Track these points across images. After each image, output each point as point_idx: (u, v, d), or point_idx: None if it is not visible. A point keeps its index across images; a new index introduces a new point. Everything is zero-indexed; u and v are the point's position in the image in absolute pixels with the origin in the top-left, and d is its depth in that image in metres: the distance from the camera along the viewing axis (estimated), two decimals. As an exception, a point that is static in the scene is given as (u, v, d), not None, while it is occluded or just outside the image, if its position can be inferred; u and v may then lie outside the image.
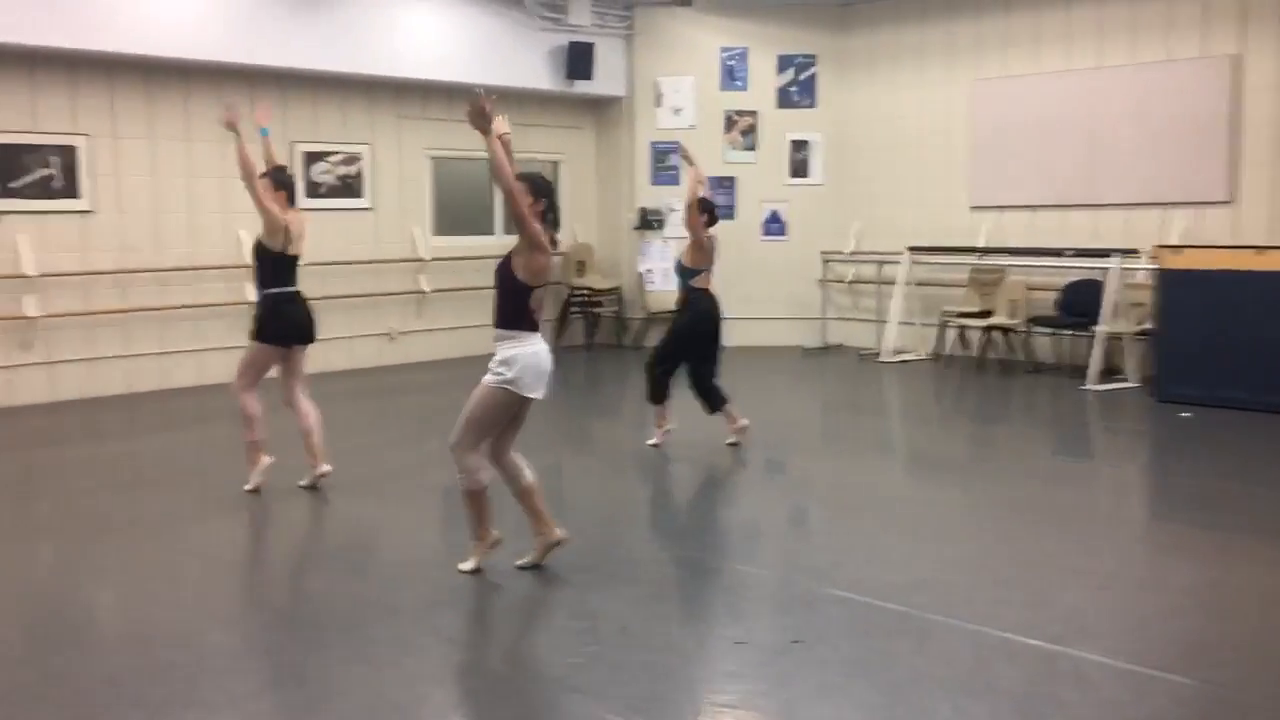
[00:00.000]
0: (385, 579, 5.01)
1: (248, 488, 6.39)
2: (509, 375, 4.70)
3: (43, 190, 9.34)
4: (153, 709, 3.67)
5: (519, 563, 4.98)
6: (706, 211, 7.42)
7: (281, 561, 5.66)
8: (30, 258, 9.20)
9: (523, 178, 4.81)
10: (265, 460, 6.42)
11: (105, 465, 7.49)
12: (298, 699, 3.73)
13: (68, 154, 9.44)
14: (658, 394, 7.56)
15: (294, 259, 6.47)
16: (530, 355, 4.74)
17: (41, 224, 9.35)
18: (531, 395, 4.77)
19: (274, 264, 6.37)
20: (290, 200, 6.50)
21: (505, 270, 4.76)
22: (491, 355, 4.79)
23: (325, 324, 11.07)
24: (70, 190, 9.49)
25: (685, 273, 7.43)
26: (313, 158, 10.98)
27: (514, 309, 4.76)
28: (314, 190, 10.99)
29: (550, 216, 4.81)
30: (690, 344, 7.45)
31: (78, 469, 7.32)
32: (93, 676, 3.94)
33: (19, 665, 4.09)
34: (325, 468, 6.47)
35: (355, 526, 5.99)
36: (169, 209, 10.04)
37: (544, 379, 4.81)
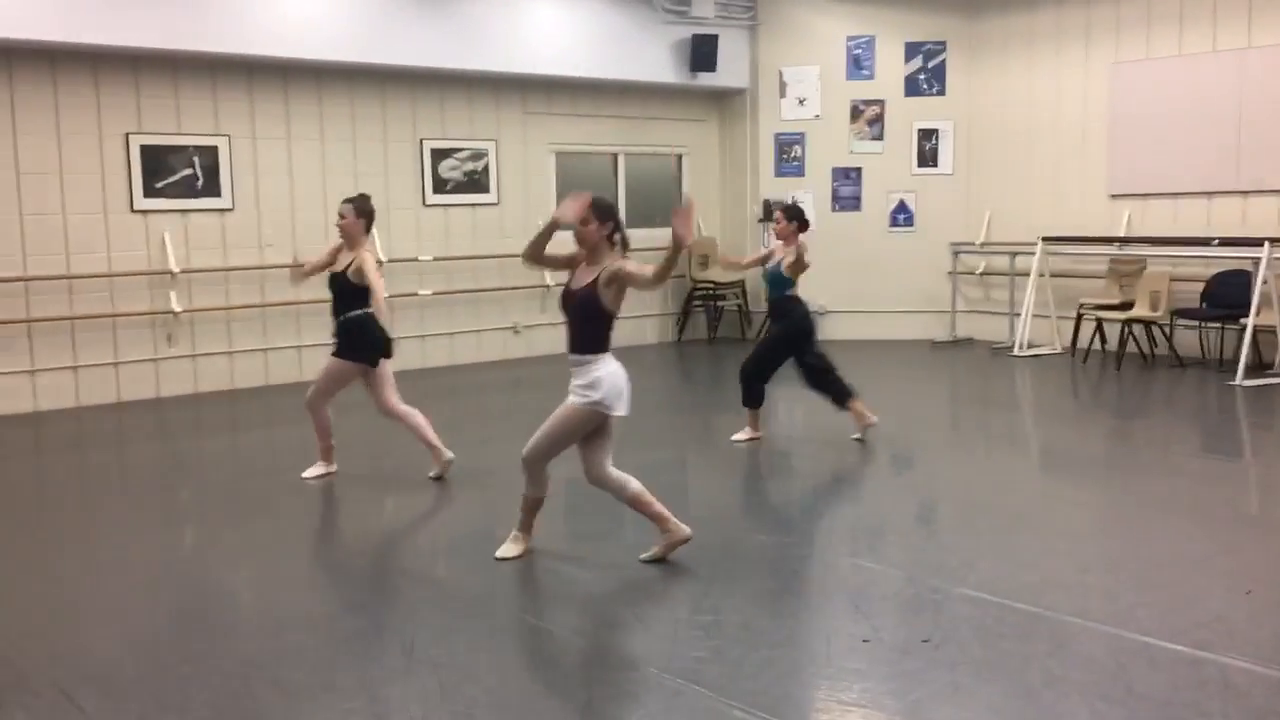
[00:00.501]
0: (510, 569, 5.06)
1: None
2: (596, 396, 4.78)
3: (186, 189, 9.74)
4: (290, 692, 3.78)
5: (643, 556, 4.99)
6: (797, 219, 7.32)
7: (410, 548, 5.77)
8: (174, 254, 9.61)
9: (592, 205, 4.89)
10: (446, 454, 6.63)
11: (245, 452, 7.76)
12: (430, 685, 3.79)
13: (209, 154, 9.82)
14: (756, 399, 7.52)
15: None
16: (612, 375, 4.82)
17: (185, 222, 9.75)
18: (618, 413, 4.85)
19: (356, 288, 6.40)
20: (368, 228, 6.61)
21: (591, 302, 4.79)
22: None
23: (453, 318, 11.39)
24: (212, 189, 9.87)
25: (784, 283, 7.33)
26: (440, 154, 11.20)
27: (596, 336, 4.83)
28: (441, 186, 11.21)
29: (619, 236, 4.89)
30: (796, 348, 7.40)
31: (220, 457, 7.60)
32: (234, 659, 4.07)
33: (164, 649, 4.26)
34: (449, 455, 6.62)
35: (480, 517, 6.07)
36: (303, 206, 10.35)
37: (626, 395, 4.88)
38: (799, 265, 7.20)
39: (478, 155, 11.47)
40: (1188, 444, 7.88)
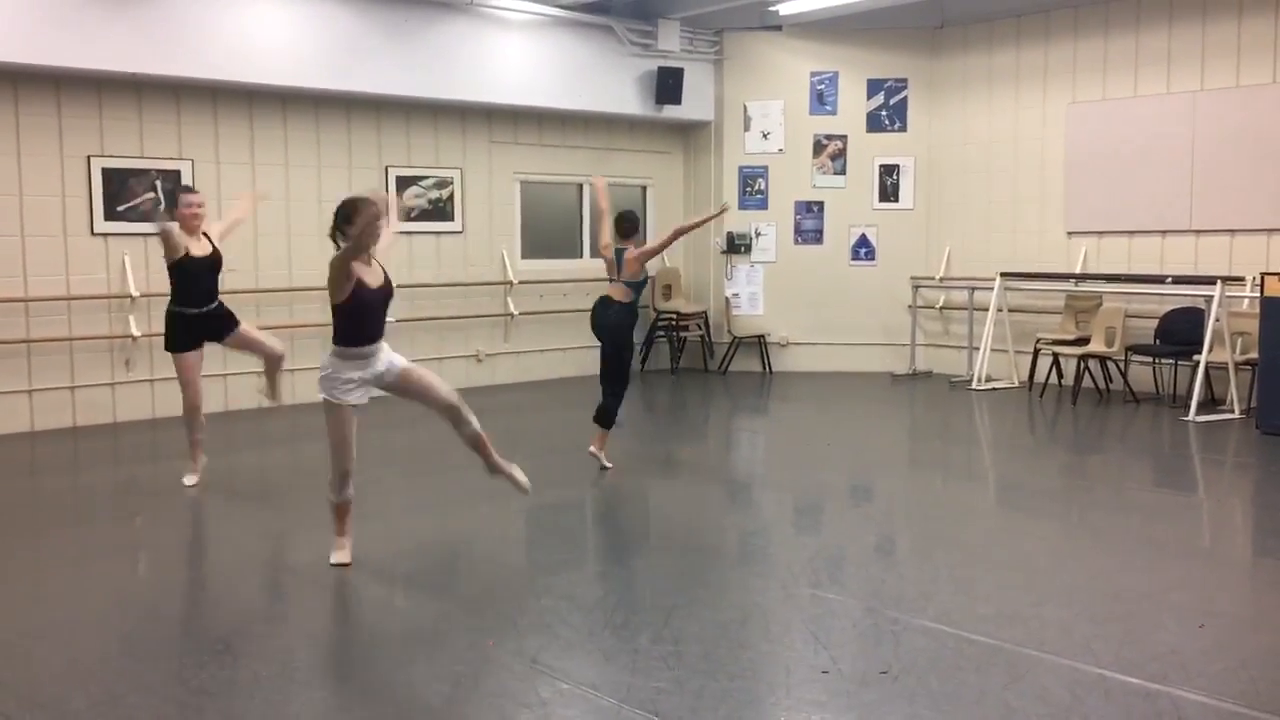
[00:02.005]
0: (468, 598, 5.04)
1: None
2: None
3: (148, 214, 9.65)
4: (242, 720, 3.74)
5: None
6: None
7: (366, 580, 5.73)
8: (134, 278, 9.53)
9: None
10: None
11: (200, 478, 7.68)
12: (388, 713, 3.76)
13: (172, 178, 9.76)
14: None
15: None
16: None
17: (146, 245, 9.66)
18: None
19: None
20: None
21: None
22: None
23: (415, 345, 11.35)
24: (174, 213, 9.77)
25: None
26: (405, 182, 11.19)
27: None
28: (406, 214, 11.18)
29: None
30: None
31: (173, 483, 7.51)
32: (186, 688, 4.02)
33: (115, 677, 4.19)
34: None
35: (441, 545, 6.04)
36: (266, 232, 10.29)
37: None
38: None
39: (443, 183, 11.48)
40: (1142, 478, 7.99)
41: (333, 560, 5.39)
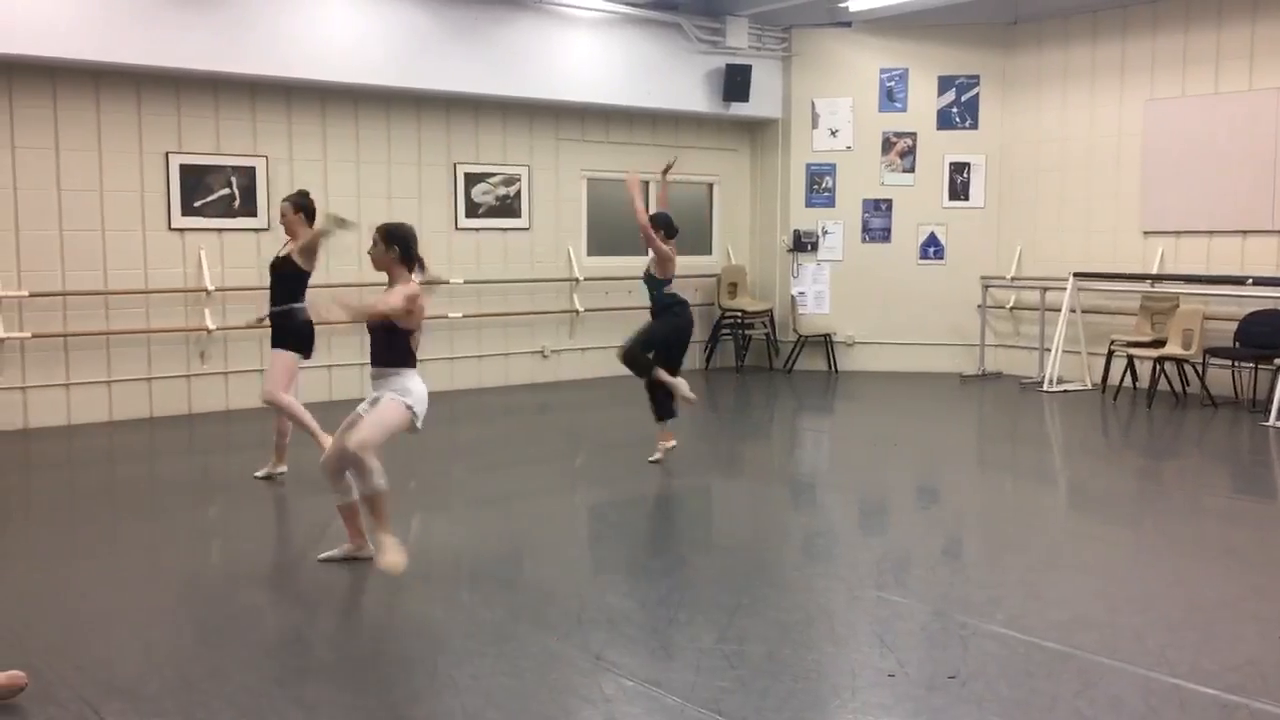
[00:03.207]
0: (532, 593, 5.06)
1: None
2: (411, 402, 5.26)
3: (223, 209, 9.85)
4: (313, 709, 3.79)
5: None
6: (663, 226, 7.50)
7: (433, 573, 5.78)
8: (209, 272, 9.72)
9: (381, 229, 5.34)
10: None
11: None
12: (454, 707, 3.79)
13: (246, 174, 9.94)
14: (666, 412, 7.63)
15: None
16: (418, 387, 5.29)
17: (221, 240, 9.86)
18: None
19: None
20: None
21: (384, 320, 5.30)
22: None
23: (481, 341, 11.45)
24: (249, 209, 9.98)
25: (657, 283, 7.53)
26: (473, 179, 11.28)
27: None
28: (473, 210, 11.28)
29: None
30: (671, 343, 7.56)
31: (245, 473, 7.64)
32: (258, 675, 4.08)
33: (189, 663, 4.28)
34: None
35: (503, 539, 6.08)
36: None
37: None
38: (665, 264, 7.42)
39: (510, 180, 11.55)
40: (1219, 484, 7.79)
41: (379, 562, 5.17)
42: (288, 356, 7.01)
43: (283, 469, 7.25)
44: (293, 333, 6.98)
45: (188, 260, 9.72)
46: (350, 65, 9.92)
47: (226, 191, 9.85)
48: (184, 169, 9.63)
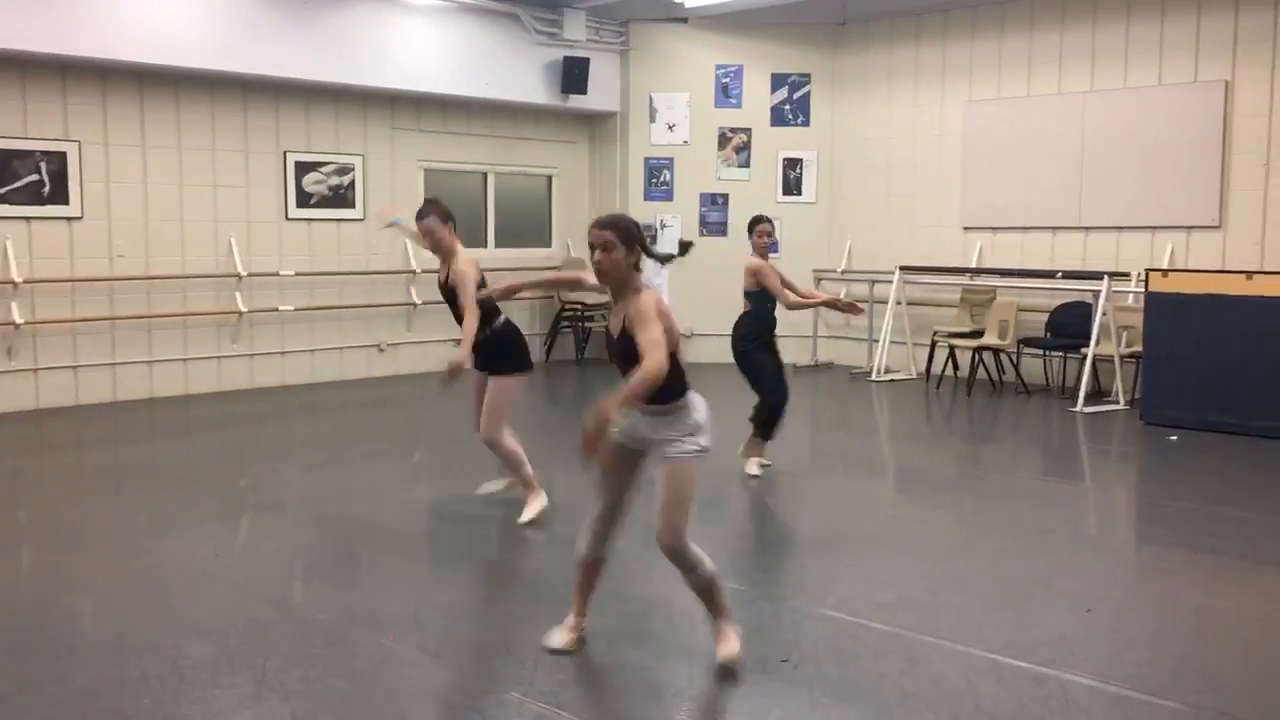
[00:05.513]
0: (367, 593, 4.96)
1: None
2: (706, 441, 4.06)
3: (31, 196, 9.30)
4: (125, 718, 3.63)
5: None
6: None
7: (266, 574, 5.61)
8: (16, 263, 9.17)
9: (612, 225, 4.13)
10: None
11: (89, 473, 7.43)
12: (282, 713, 3.68)
13: (57, 159, 9.41)
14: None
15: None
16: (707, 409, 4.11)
17: (29, 230, 9.31)
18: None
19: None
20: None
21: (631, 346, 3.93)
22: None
23: (316, 335, 11.14)
24: (60, 196, 9.45)
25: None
26: (305, 168, 10.96)
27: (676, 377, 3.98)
28: (305, 200, 10.97)
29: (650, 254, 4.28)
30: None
31: (61, 476, 7.25)
32: (69, 688, 3.88)
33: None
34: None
35: (346, 537, 5.94)
36: (158, 217, 9.99)
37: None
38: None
39: (344, 170, 11.27)
40: (1032, 468, 8.23)
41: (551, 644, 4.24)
42: (509, 383, 5.86)
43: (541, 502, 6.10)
44: (507, 352, 5.84)
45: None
46: (171, 47, 9.48)
47: (35, 177, 9.31)
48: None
